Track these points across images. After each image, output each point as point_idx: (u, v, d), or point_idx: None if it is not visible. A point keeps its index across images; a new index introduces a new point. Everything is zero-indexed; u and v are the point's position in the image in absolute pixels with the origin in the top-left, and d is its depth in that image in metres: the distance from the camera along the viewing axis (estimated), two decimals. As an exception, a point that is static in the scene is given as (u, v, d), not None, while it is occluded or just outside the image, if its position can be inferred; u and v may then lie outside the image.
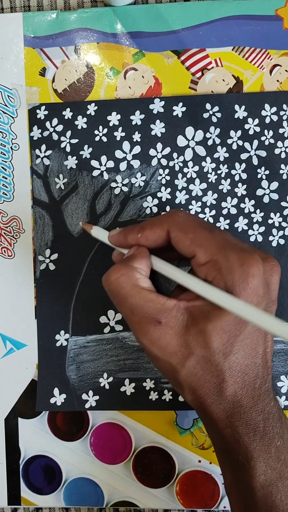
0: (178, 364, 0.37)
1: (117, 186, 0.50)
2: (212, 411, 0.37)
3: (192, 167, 0.49)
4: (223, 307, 0.36)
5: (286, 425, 0.39)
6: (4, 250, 0.51)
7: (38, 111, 0.50)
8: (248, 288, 0.36)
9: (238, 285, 0.36)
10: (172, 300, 0.38)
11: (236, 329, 0.37)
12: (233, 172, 0.49)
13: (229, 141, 0.49)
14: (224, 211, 0.49)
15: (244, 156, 0.49)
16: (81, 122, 0.50)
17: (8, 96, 0.50)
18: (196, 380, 0.37)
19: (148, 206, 0.50)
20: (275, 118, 0.49)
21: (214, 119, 0.49)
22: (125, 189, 0.50)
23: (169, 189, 0.49)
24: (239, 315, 0.35)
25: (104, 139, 0.50)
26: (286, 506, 0.37)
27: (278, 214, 0.49)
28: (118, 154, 0.50)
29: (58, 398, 0.50)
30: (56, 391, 0.50)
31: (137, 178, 0.50)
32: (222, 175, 0.49)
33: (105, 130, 0.50)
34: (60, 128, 0.50)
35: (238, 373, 0.37)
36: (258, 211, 0.49)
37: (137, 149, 0.49)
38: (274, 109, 0.48)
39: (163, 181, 0.49)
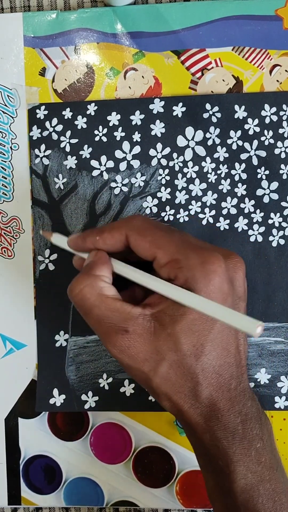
0: (150, 372, 0.37)
1: (117, 186, 0.50)
2: (190, 417, 0.37)
3: (192, 167, 0.49)
4: (186, 305, 0.36)
5: (267, 425, 0.38)
6: (4, 250, 0.51)
7: (37, 111, 0.50)
8: (210, 285, 0.36)
9: (200, 282, 0.36)
10: (138, 307, 0.37)
11: (204, 328, 0.36)
12: (233, 172, 0.49)
13: (229, 141, 0.49)
14: (224, 211, 0.49)
15: (244, 156, 0.49)
16: (81, 122, 0.50)
17: (8, 96, 0.50)
18: (171, 385, 0.37)
19: (148, 206, 0.50)
20: (275, 118, 0.49)
21: (214, 119, 0.49)
22: (125, 189, 0.50)
23: (169, 189, 0.49)
24: (202, 311, 0.35)
25: (104, 139, 0.50)
26: (268, 510, 0.36)
27: (278, 214, 0.49)
28: (118, 154, 0.50)
29: (58, 398, 0.50)
30: (55, 391, 0.50)
31: (137, 178, 0.50)
32: (222, 175, 0.49)
33: (105, 130, 0.50)
34: (59, 128, 0.50)
35: (212, 375, 0.37)
36: (258, 211, 0.49)
37: (137, 149, 0.49)
38: (274, 109, 0.48)
39: (163, 181, 0.49)
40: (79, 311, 0.39)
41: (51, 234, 0.44)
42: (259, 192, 0.49)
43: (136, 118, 0.49)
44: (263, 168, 0.49)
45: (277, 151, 0.49)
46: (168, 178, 0.49)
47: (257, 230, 0.49)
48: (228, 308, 0.35)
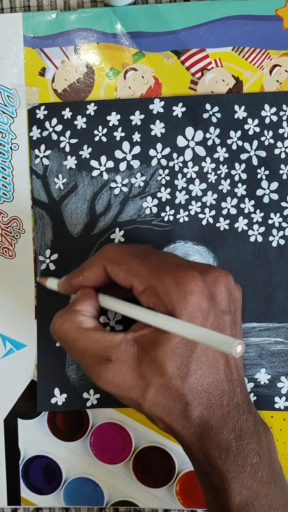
0: (139, 398, 0.37)
1: (117, 186, 0.50)
2: (183, 437, 0.37)
3: (192, 167, 0.49)
4: (164, 329, 0.36)
5: (266, 437, 0.38)
6: (5, 251, 0.51)
7: (37, 111, 0.50)
8: (188, 306, 0.36)
9: (177, 306, 0.36)
10: (119, 334, 0.38)
11: (187, 349, 0.36)
12: (233, 172, 0.49)
13: (229, 141, 0.49)
14: (224, 211, 0.49)
15: (244, 156, 0.49)
16: (80, 122, 0.50)
17: (7, 96, 0.50)
18: (161, 409, 0.37)
19: (148, 206, 0.50)
20: (274, 118, 0.49)
21: (214, 120, 0.49)
22: (125, 189, 0.50)
23: (169, 189, 0.49)
24: (181, 335, 0.35)
25: (104, 139, 0.50)
26: None
27: (278, 214, 0.49)
28: (118, 154, 0.50)
29: (59, 398, 0.50)
30: (56, 391, 0.50)
31: (136, 178, 0.50)
32: (222, 175, 0.49)
33: (105, 130, 0.49)
34: (59, 128, 0.50)
35: (201, 394, 0.36)
36: (258, 211, 0.49)
37: (137, 149, 0.49)
38: (274, 109, 0.49)
39: (163, 181, 0.49)
40: (63, 347, 0.40)
41: (46, 280, 0.45)
42: (259, 192, 0.49)
43: (136, 118, 0.49)
44: (263, 168, 0.49)
45: (277, 151, 0.49)
46: (168, 178, 0.49)
47: (257, 230, 0.49)
48: (205, 329, 0.34)
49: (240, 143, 0.49)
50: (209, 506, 0.39)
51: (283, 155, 0.49)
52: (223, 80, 0.49)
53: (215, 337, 0.33)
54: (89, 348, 0.38)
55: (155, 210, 0.50)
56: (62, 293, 0.43)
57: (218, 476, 0.36)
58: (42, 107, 0.50)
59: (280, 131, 0.49)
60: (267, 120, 0.49)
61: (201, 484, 0.39)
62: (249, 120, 0.49)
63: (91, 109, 0.49)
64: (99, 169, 0.50)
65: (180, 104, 0.49)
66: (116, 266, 0.39)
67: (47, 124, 0.50)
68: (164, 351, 0.36)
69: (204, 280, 0.37)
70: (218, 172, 0.49)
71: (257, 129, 0.49)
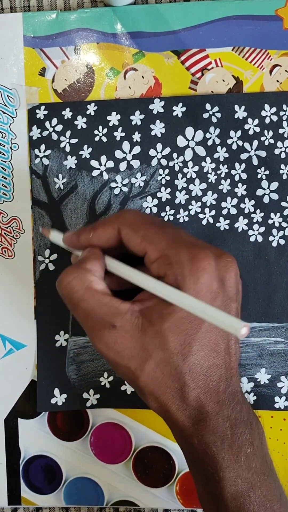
0: (137, 369, 0.36)
1: (117, 186, 0.50)
2: (177, 419, 0.36)
3: (192, 167, 0.49)
4: (173, 303, 0.35)
5: (258, 430, 0.38)
6: (4, 251, 0.51)
7: (37, 111, 0.50)
8: (198, 282, 0.35)
9: (188, 280, 0.35)
10: (127, 303, 0.37)
11: (192, 327, 0.36)
12: (233, 172, 0.49)
13: (229, 141, 0.49)
14: (224, 211, 0.49)
15: (244, 156, 0.49)
16: (80, 122, 0.50)
17: (7, 96, 0.50)
18: (158, 385, 0.36)
19: (148, 206, 0.50)
20: (275, 118, 0.49)
21: (214, 119, 0.49)
22: (125, 189, 0.50)
23: (169, 189, 0.49)
24: (188, 309, 0.34)
25: (104, 139, 0.50)
26: None
27: (278, 214, 0.49)
28: (118, 154, 0.50)
29: (59, 398, 0.50)
30: (56, 391, 0.50)
31: (137, 178, 0.50)
32: (222, 175, 0.49)
33: (105, 130, 0.49)
34: (59, 128, 0.50)
35: (199, 376, 0.36)
36: (258, 211, 0.49)
37: (137, 149, 0.49)
38: (274, 109, 0.48)
39: (163, 181, 0.49)
40: (67, 304, 0.38)
41: (49, 232, 0.44)
42: (259, 192, 0.49)
43: (136, 118, 0.49)
44: (263, 168, 0.49)
45: (277, 151, 0.49)
46: (168, 178, 0.49)
47: (257, 230, 0.49)
48: (213, 307, 0.34)
49: (240, 143, 0.49)
50: (201, 498, 0.38)
51: (283, 155, 0.49)
52: (223, 80, 0.49)
53: (222, 316, 0.33)
54: (95, 310, 0.37)
55: (155, 210, 0.50)
56: (66, 248, 0.42)
57: (213, 465, 0.36)
58: (42, 107, 0.50)
59: (280, 131, 0.49)
60: (267, 120, 0.49)
61: (192, 475, 0.39)
62: (249, 120, 0.49)
63: (91, 109, 0.49)
64: (99, 169, 0.50)
65: (180, 104, 0.49)
66: (132, 231, 0.38)
67: (47, 124, 0.50)
68: (169, 325, 0.35)
69: (217, 263, 0.37)
70: (218, 172, 0.49)
71: (257, 129, 0.49)
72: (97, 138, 0.50)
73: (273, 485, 0.37)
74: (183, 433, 0.37)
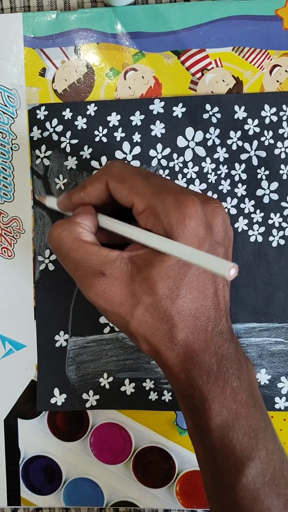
0: (127, 315, 0.37)
1: (117, 187, 0.50)
2: (166, 358, 0.38)
3: (192, 168, 0.49)
4: (161, 251, 0.36)
5: (247, 366, 0.39)
6: (4, 251, 0.51)
7: (38, 111, 0.50)
8: (186, 229, 0.36)
9: (175, 228, 0.36)
10: (115, 251, 0.38)
11: (180, 272, 0.37)
12: (233, 172, 0.49)
13: (229, 141, 0.49)
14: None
15: (244, 156, 0.49)
16: (81, 122, 0.50)
17: (8, 96, 0.50)
18: (147, 328, 0.37)
19: (148, 207, 0.50)
20: (274, 118, 0.49)
21: (214, 120, 0.49)
22: (125, 189, 0.50)
23: (169, 190, 0.49)
24: (176, 255, 0.35)
25: (104, 139, 0.50)
26: (243, 446, 0.36)
27: (278, 214, 0.49)
28: (118, 154, 0.50)
29: (59, 398, 0.50)
30: (56, 391, 0.50)
31: (137, 179, 0.50)
32: (222, 176, 0.49)
33: (105, 131, 0.50)
34: (60, 128, 0.50)
35: (188, 317, 0.37)
36: (258, 211, 0.49)
37: (137, 150, 0.49)
38: (273, 109, 0.48)
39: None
40: (57, 256, 0.40)
41: (45, 198, 0.45)
42: (259, 192, 0.49)
43: (136, 118, 0.49)
44: (263, 169, 0.49)
45: (277, 151, 0.49)
46: (168, 178, 0.49)
47: (257, 230, 0.49)
48: (201, 251, 0.35)
49: (240, 143, 0.49)
50: (190, 432, 0.40)
51: (283, 155, 0.49)
52: (223, 80, 0.49)
53: (210, 259, 0.34)
54: (84, 259, 0.38)
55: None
56: (61, 211, 0.43)
57: (199, 397, 0.37)
58: (43, 108, 0.50)
59: (280, 131, 0.49)
60: (267, 120, 0.49)
61: (182, 411, 0.40)
62: (249, 120, 0.49)
63: (91, 109, 0.49)
64: (99, 169, 0.50)
65: (180, 105, 0.49)
66: (119, 183, 0.38)
67: (47, 124, 0.50)
68: (157, 271, 0.36)
69: (204, 209, 0.38)
70: (218, 172, 0.49)
71: (257, 129, 0.49)
72: (97, 139, 0.50)
73: (258, 416, 0.38)
74: (172, 371, 0.38)
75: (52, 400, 0.50)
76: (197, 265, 0.35)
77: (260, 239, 0.49)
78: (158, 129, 0.49)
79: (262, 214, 0.49)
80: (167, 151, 0.49)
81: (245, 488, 0.36)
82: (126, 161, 0.49)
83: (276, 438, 0.39)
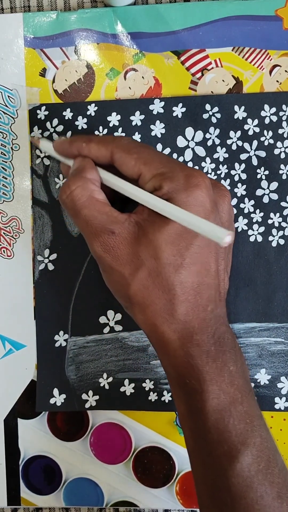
0: (130, 276, 0.37)
1: (117, 187, 0.50)
2: (163, 331, 0.37)
3: (192, 168, 0.49)
4: (163, 214, 0.36)
5: (241, 354, 0.39)
6: (4, 250, 0.51)
7: (38, 111, 0.50)
8: (191, 197, 0.36)
9: (182, 194, 0.36)
10: (124, 214, 0.39)
11: (185, 241, 0.37)
12: (232, 172, 0.49)
13: (229, 141, 0.49)
14: (224, 212, 0.49)
15: (243, 156, 0.49)
16: (81, 122, 0.50)
17: (8, 96, 0.50)
18: (147, 295, 0.37)
19: (148, 207, 0.50)
20: (274, 118, 0.49)
21: (213, 120, 0.49)
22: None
23: (169, 190, 0.49)
24: (177, 220, 0.36)
25: (104, 139, 0.50)
26: (239, 431, 0.36)
27: (277, 214, 0.49)
28: (118, 154, 0.50)
29: (58, 398, 0.50)
30: (55, 391, 0.50)
31: (137, 179, 0.50)
32: (222, 176, 0.49)
33: (105, 131, 0.50)
34: (60, 128, 0.50)
35: (190, 291, 0.37)
36: (257, 211, 0.49)
37: (137, 150, 0.49)
38: (273, 109, 0.48)
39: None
40: (68, 212, 0.40)
41: (39, 140, 0.45)
42: (259, 192, 0.49)
43: (136, 118, 0.49)
44: (262, 168, 0.49)
45: (276, 151, 0.49)
46: None
47: (257, 230, 0.49)
48: (200, 218, 0.35)
49: (240, 143, 0.49)
50: (181, 417, 0.39)
51: (282, 155, 0.49)
52: (223, 81, 0.49)
53: (208, 226, 0.34)
54: (95, 217, 0.38)
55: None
56: (55, 156, 0.43)
57: (196, 377, 0.37)
58: (43, 108, 0.50)
59: (280, 131, 0.49)
60: (266, 120, 0.49)
61: (174, 395, 0.39)
62: (249, 120, 0.49)
63: (91, 109, 0.50)
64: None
65: (180, 105, 0.49)
66: (126, 154, 0.39)
67: (48, 124, 0.50)
68: (162, 236, 0.37)
69: (212, 186, 0.38)
70: (218, 172, 0.49)
71: (257, 129, 0.49)
72: (97, 139, 0.50)
73: (254, 403, 0.38)
74: (168, 347, 0.38)
75: (52, 401, 0.50)
76: (194, 230, 0.35)
77: (259, 239, 0.49)
78: (158, 129, 0.49)
79: (261, 214, 0.49)
80: (167, 151, 0.49)
81: (238, 475, 0.35)
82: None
83: (267, 428, 0.38)
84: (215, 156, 0.49)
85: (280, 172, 0.49)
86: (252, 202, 0.49)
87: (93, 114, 0.50)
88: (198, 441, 0.38)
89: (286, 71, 0.49)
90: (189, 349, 0.37)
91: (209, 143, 0.49)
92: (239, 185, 0.49)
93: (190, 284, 0.37)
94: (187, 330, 0.37)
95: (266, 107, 0.49)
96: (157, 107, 0.49)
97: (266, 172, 0.49)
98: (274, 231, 0.49)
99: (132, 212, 0.39)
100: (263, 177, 0.49)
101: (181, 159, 0.49)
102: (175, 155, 0.49)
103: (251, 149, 0.49)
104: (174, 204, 0.36)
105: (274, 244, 0.49)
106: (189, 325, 0.37)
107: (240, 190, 0.49)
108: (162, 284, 0.37)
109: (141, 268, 0.37)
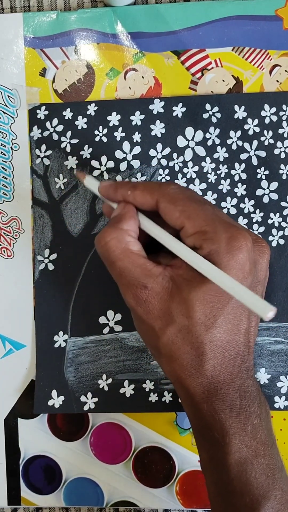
0: (160, 330, 0.37)
1: (117, 186, 0.50)
2: (189, 385, 0.38)
3: (192, 167, 0.49)
4: (205, 275, 0.36)
5: (265, 406, 0.39)
6: (4, 250, 0.51)
7: (38, 111, 0.50)
8: (233, 260, 0.36)
9: (223, 256, 0.36)
10: (159, 267, 0.38)
11: (220, 302, 0.37)
12: (232, 172, 0.49)
13: (229, 141, 0.49)
14: (224, 211, 0.49)
15: (243, 156, 0.49)
16: (81, 122, 0.50)
17: (8, 96, 0.50)
18: (175, 349, 0.37)
19: (148, 206, 0.50)
20: (274, 118, 0.49)
21: (213, 120, 0.49)
22: (125, 189, 0.50)
23: (169, 189, 0.49)
24: (218, 284, 0.35)
25: (104, 139, 0.50)
26: (260, 484, 0.36)
27: (277, 214, 0.49)
28: (118, 154, 0.50)
29: (56, 400, 0.50)
30: (54, 393, 0.50)
31: (137, 178, 0.50)
32: (222, 175, 0.49)
33: (105, 130, 0.50)
34: (60, 128, 0.50)
35: (218, 349, 0.37)
36: (257, 211, 0.49)
37: (137, 150, 0.49)
38: (273, 109, 0.48)
39: (163, 181, 0.49)
40: (104, 261, 0.40)
41: (84, 176, 0.44)
42: (259, 192, 0.49)
43: (136, 118, 0.49)
44: (262, 168, 0.49)
45: (276, 151, 0.49)
46: (168, 178, 0.49)
47: (257, 230, 0.49)
48: (244, 287, 0.35)
49: (240, 143, 0.49)
50: (204, 466, 0.39)
51: (282, 155, 0.49)
52: (223, 80, 0.49)
53: (253, 297, 0.34)
54: (129, 270, 0.38)
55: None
56: (99, 195, 0.43)
57: (220, 430, 0.37)
58: (43, 107, 0.50)
59: (280, 131, 0.49)
60: (267, 120, 0.49)
61: (197, 443, 0.40)
62: (249, 120, 0.49)
63: (91, 109, 0.50)
64: (99, 169, 0.50)
65: (180, 104, 0.49)
66: (171, 205, 0.38)
67: (48, 124, 0.50)
68: (197, 295, 0.36)
69: (253, 246, 0.38)
70: (218, 172, 0.49)
71: (257, 129, 0.49)
72: (97, 139, 0.50)
73: (276, 456, 0.38)
74: (192, 399, 0.38)
75: (50, 402, 0.50)
76: (237, 299, 0.35)
77: (260, 239, 0.49)
78: (158, 128, 0.49)
79: (261, 214, 0.49)
80: (167, 150, 0.49)
81: None
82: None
83: None
84: (215, 156, 0.49)
85: (280, 172, 0.49)
86: (252, 202, 0.49)
87: (93, 114, 0.50)
88: (220, 491, 0.38)
89: (286, 71, 0.49)
90: (213, 403, 0.37)
91: (209, 143, 0.49)
92: (239, 185, 0.49)
93: (220, 343, 0.37)
94: (213, 385, 0.37)
95: (266, 107, 0.49)
96: (157, 107, 0.49)
97: (266, 172, 0.49)
98: (274, 231, 0.49)
99: (168, 265, 0.39)
100: (263, 177, 0.49)
101: (181, 158, 0.49)
102: (175, 155, 0.49)
103: (251, 149, 0.49)
104: (215, 266, 0.36)
105: (274, 244, 0.49)
106: (215, 379, 0.37)
107: (240, 190, 0.49)
108: (192, 341, 0.37)
109: (171, 325, 0.37)
